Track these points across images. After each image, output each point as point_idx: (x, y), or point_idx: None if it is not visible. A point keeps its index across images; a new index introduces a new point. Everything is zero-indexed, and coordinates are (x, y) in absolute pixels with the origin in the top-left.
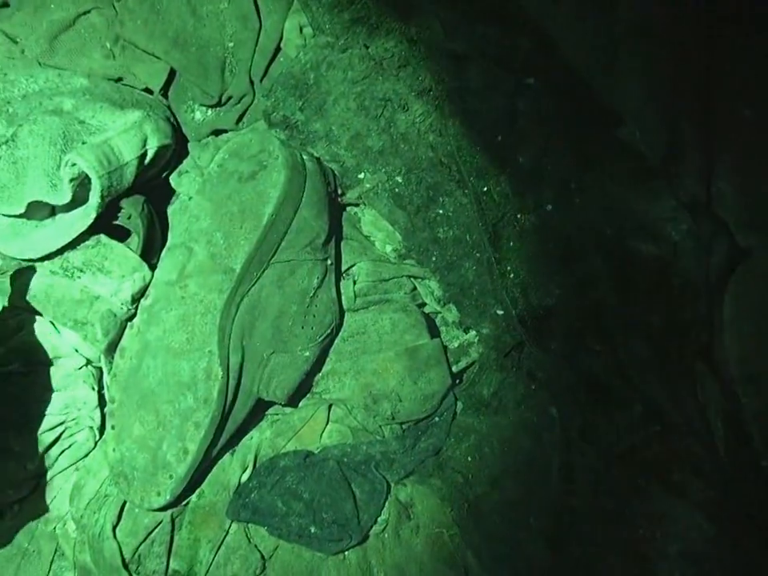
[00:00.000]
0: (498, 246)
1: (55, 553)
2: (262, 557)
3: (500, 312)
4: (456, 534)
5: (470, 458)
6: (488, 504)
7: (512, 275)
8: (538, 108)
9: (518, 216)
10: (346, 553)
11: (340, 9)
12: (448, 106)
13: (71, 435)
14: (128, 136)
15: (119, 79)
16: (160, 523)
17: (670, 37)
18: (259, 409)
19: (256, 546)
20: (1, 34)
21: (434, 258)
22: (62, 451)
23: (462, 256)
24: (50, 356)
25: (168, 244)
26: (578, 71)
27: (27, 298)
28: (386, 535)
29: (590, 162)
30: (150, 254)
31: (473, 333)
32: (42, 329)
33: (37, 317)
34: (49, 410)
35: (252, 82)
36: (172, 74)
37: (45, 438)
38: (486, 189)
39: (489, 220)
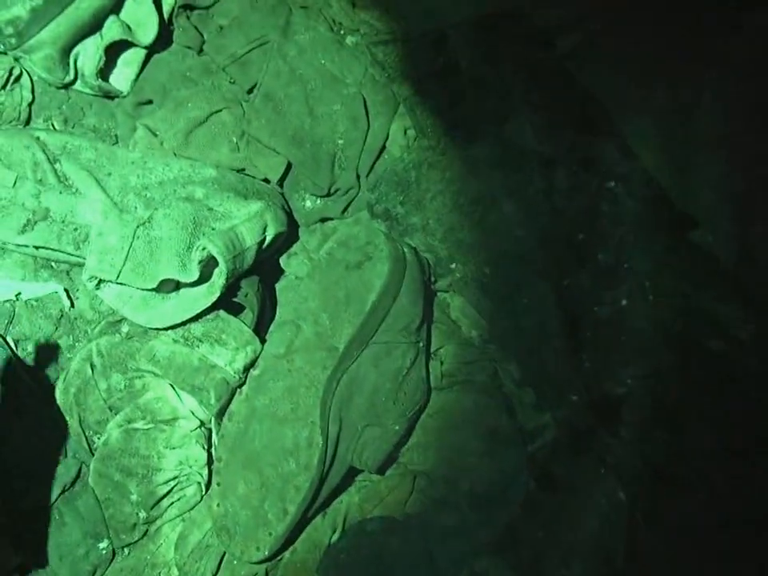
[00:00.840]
0: (575, 336)
1: None
2: None
3: (575, 398)
4: None
5: (540, 534)
6: None
7: (587, 364)
8: (617, 210)
9: (595, 309)
10: None
11: (441, 113)
12: (535, 205)
13: (182, 489)
14: (251, 224)
15: (242, 170)
16: (255, 573)
17: (744, 147)
18: (350, 476)
19: None
20: (144, 128)
21: (515, 344)
22: (172, 503)
23: (541, 343)
24: (170, 417)
25: (277, 320)
26: (656, 177)
27: (151, 362)
28: None
29: (664, 263)
30: (262, 327)
31: (548, 415)
32: (164, 391)
33: (160, 380)
34: (164, 465)
35: (358, 177)
36: (288, 166)
37: (159, 489)
38: (566, 283)
39: (568, 311)
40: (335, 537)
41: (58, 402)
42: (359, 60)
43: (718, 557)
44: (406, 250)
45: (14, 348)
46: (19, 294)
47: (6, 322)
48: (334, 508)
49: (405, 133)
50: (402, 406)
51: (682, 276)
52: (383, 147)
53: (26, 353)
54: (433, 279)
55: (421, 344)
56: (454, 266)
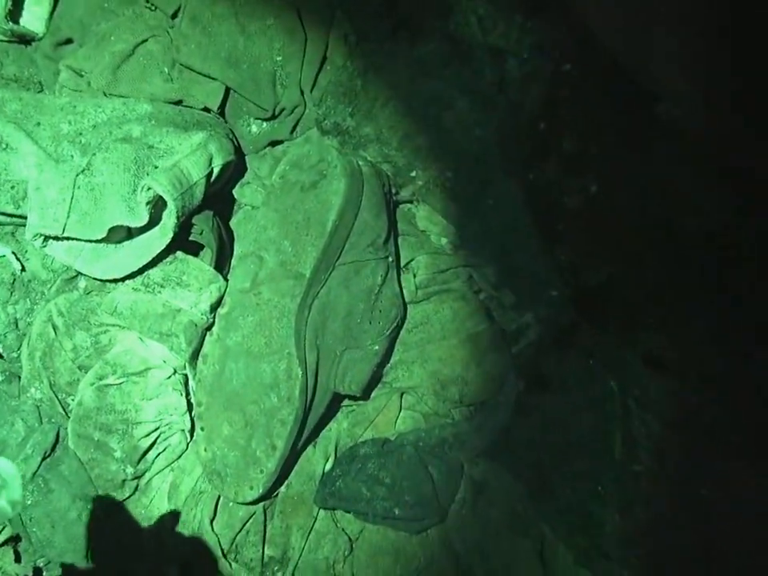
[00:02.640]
0: (547, 230)
1: (158, 547)
2: (350, 539)
3: (554, 293)
4: (529, 506)
5: (536, 434)
6: (557, 477)
7: (563, 257)
8: (578, 95)
9: (565, 200)
10: (429, 531)
11: (382, 16)
12: (490, 100)
13: (165, 439)
14: (195, 157)
15: (179, 102)
16: (253, 515)
17: (702, 19)
18: (336, 402)
19: (343, 529)
20: (67, 69)
21: (488, 246)
22: (158, 454)
23: (514, 242)
24: (141, 368)
25: (238, 254)
26: (614, 56)
27: (114, 314)
28: (464, 512)
29: (632, 144)
30: (222, 264)
31: (529, 314)
32: (131, 343)
33: (126, 332)
34: (144, 417)
35: (302, 93)
36: (227, 92)
37: (142, 443)
38: (532, 176)
39: (537, 206)
40: (328, 465)
41: (24, 368)
42: None
43: (714, 436)
44: (361, 163)
45: None
46: None
47: None
48: (324, 437)
49: (345, 40)
50: (378, 324)
51: (652, 155)
52: (324, 58)
53: None
54: (394, 190)
55: (390, 259)
56: (414, 173)
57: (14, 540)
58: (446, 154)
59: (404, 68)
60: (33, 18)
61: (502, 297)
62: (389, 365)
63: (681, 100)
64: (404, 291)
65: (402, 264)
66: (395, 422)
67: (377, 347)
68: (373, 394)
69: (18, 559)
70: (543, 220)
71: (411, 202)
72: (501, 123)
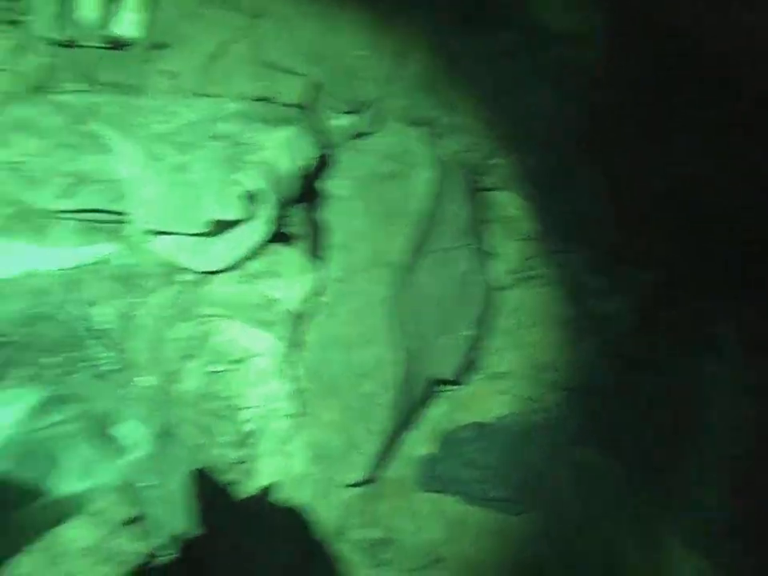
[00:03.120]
0: (634, 215)
1: (268, 528)
2: (452, 522)
3: (646, 277)
4: (631, 488)
5: (635, 417)
6: (660, 458)
7: (653, 243)
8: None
9: (652, 185)
10: (530, 512)
11: (460, 8)
12: (571, 86)
13: (269, 424)
14: (284, 151)
15: (267, 99)
16: (357, 497)
17: None
18: (431, 388)
19: (445, 512)
20: (160, 72)
21: (575, 232)
22: (262, 439)
23: (601, 228)
24: (243, 356)
25: (329, 244)
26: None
27: (215, 305)
28: (565, 494)
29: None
30: (314, 255)
31: (620, 298)
32: (233, 332)
33: (227, 321)
34: (247, 403)
35: (386, 86)
36: (313, 87)
37: (246, 428)
38: (617, 159)
39: (623, 190)
40: (428, 449)
41: (132, 359)
42: None
43: None
44: (444, 152)
45: (82, 313)
46: (77, 260)
47: (71, 288)
48: (423, 422)
49: (426, 33)
50: (469, 310)
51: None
52: (407, 51)
53: (94, 317)
54: (477, 178)
55: (477, 246)
56: (497, 161)
57: (135, 519)
58: (528, 141)
59: (485, 58)
60: (128, 25)
61: (593, 282)
62: (482, 350)
63: None
64: (493, 277)
65: (490, 251)
66: (491, 407)
67: (469, 332)
68: (468, 380)
69: (138, 538)
70: (633, 204)
71: (495, 189)
72: (583, 107)
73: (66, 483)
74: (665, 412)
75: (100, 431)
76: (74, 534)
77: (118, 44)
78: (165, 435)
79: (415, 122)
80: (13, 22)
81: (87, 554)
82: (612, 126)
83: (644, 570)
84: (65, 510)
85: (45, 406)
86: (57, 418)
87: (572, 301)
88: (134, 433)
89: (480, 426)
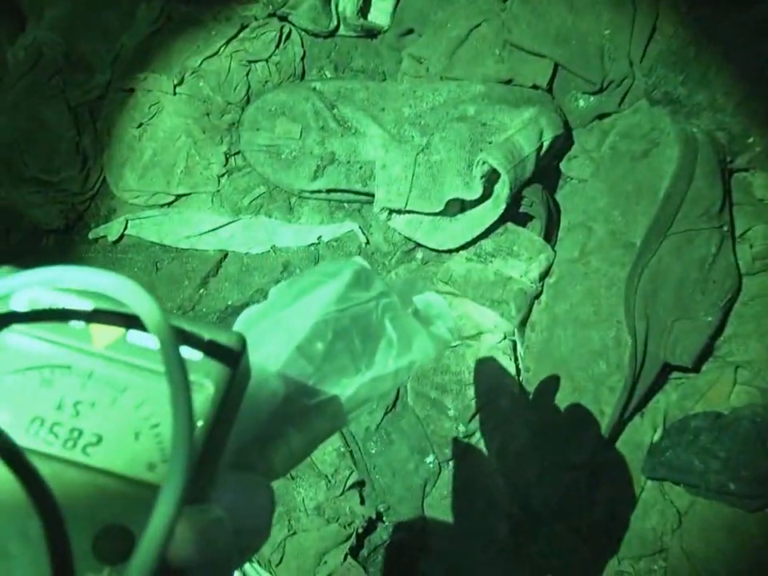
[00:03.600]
0: None
1: (488, 504)
2: (679, 512)
3: None
4: None
5: None
6: None
7: None
8: None
9: None
10: (767, 509)
11: None
12: None
13: (496, 401)
14: (526, 132)
15: (510, 81)
16: (579, 479)
17: None
18: (665, 373)
19: (672, 501)
20: (409, 57)
21: None
22: (488, 415)
23: None
24: (475, 332)
25: (565, 225)
26: None
27: (449, 283)
28: None
29: None
30: (550, 235)
31: None
32: (466, 309)
33: (460, 299)
34: (477, 379)
35: (631, 64)
36: (556, 68)
37: (474, 403)
38: None
39: None
40: (657, 436)
41: None
42: None
43: None
44: (695, 130)
45: None
46: (320, 237)
47: (313, 263)
48: (652, 407)
49: (676, 8)
50: (712, 295)
51: None
52: (654, 28)
53: None
54: (729, 158)
55: (725, 228)
56: (751, 139)
57: (360, 485)
58: None
59: (738, 32)
60: (378, 13)
61: None
62: (722, 338)
63: None
64: (739, 262)
65: (738, 234)
66: (728, 397)
67: (710, 318)
68: (704, 367)
69: (362, 502)
70: None
71: (747, 170)
72: None
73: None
74: None
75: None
76: (306, 492)
77: (370, 32)
78: (396, 405)
79: (662, 101)
80: (272, 15)
81: (317, 513)
82: None
83: None
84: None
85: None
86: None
87: None
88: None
89: (716, 416)
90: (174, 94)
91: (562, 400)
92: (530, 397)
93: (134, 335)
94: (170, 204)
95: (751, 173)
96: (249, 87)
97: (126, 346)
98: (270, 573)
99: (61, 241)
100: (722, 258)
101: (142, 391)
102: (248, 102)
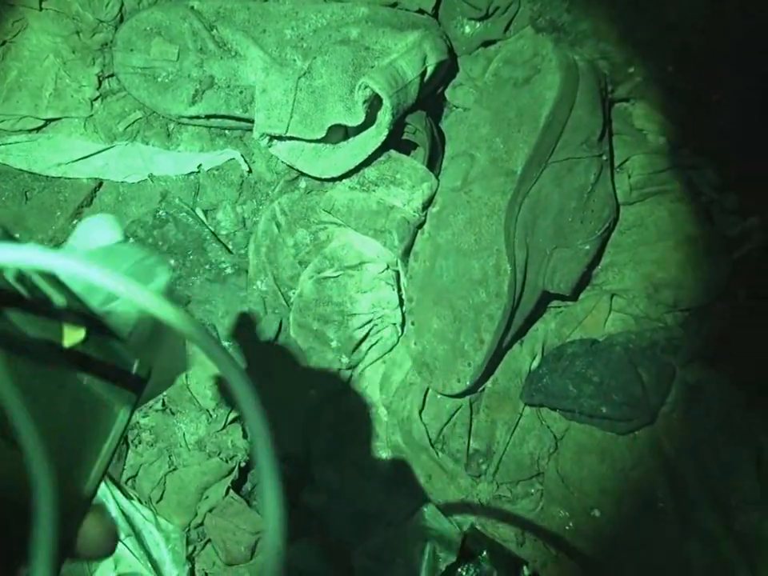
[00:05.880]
0: None
1: (371, 434)
2: (555, 436)
3: None
4: (747, 414)
5: (757, 344)
6: None
7: None
8: None
9: None
10: (636, 432)
11: None
12: None
13: (378, 332)
14: (410, 56)
15: (395, 4)
16: (460, 407)
17: None
18: (543, 301)
19: (549, 426)
20: None
21: (712, 146)
22: (371, 346)
23: (740, 142)
24: (357, 262)
25: (449, 153)
26: None
27: (332, 212)
28: (675, 416)
29: None
30: (434, 164)
31: (754, 218)
32: (348, 238)
33: (342, 228)
34: (359, 309)
35: None
36: None
37: (356, 334)
38: (767, 69)
39: None
40: (535, 363)
41: (251, 263)
42: None
43: None
44: (577, 57)
45: (203, 218)
46: (200, 165)
47: (193, 193)
48: (531, 335)
49: None
50: (590, 224)
51: None
52: None
53: (215, 221)
54: (610, 87)
55: (604, 157)
56: (632, 69)
57: (242, 418)
58: (667, 49)
59: None
60: None
61: (724, 200)
62: (599, 266)
63: None
64: (618, 191)
65: (617, 164)
66: (604, 324)
67: (588, 247)
68: (582, 295)
69: (245, 436)
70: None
71: (628, 99)
72: (730, 16)
73: None
74: None
75: None
76: (187, 427)
77: None
78: (278, 337)
79: (546, 28)
80: None
81: (198, 447)
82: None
83: (758, 489)
84: None
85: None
86: None
87: (700, 219)
88: None
89: (591, 342)
90: (40, 9)
91: (443, 329)
92: (412, 327)
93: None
94: (38, 129)
95: (632, 103)
96: (122, 4)
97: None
98: (151, 509)
99: None
100: (600, 187)
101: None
102: (121, 20)
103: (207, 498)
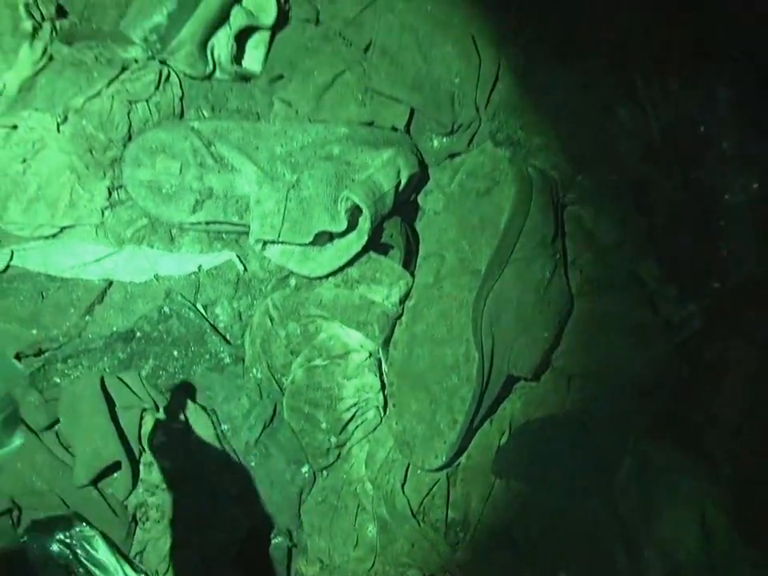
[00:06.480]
0: (708, 226)
1: (358, 507)
2: (526, 504)
3: (717, 285)
4: (693, 482)
5: (699, 414)
6: (720, 455)
7: (724, 252)
8: (737, 97)
9: (726, 197)
10: (594, 499)
11: (547, 34)
12: (650, 108)
13: (363, 413)
14: (386, 170)
15: (371, 123)
16: (438, 481)
17: None
18: (509, 384)
19: (517, 496)
20: (279, 101)
21: (651, 243)
22: (357, 426)
23: (677, 237)
24: (343, 351)
25: (422, 253)
26: None
27: (319, 307)
28: (628, 483)
29: None
30: (409, 263)
31: (692, 306)
32: (334, 331)
33: (329, 321)
34: (345, 394)
35: (478, 110)
36: (412, 112)
37: (344, 416)
38: (693, 176)
39: (699, 203)
40: (504, 439)
41: (247, 353)
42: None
43: None
44: (530, 170)
45: (204, 313)
46: (200, 265)
47: (194, 291)
48: (500, 414)
49: (515, 60)
50: (548, 315)
51: None
52: (497, 78)
53: (214, 316)
54: (561, 194)
55: (558, 256)
56: (579, 177)
57: (241, 495)
58: (609, 159)
59: (571, 82)
60: (252, 60)
61: (665, 290)
62: (557, 351)
63: None
64: (571, 284)
65: (570, 260)
66: (564, 403)
67: (546, 334)
68: (543, 378)
69: (243, 511)
70: (704, 216)
71: (577, 203)
72: (661, 127)
73: None
74: (726, 407)
75: None
76: (187, 505)
77: (244, 77)
78: (273, 420)
79: (504, 143)
80: (152, 58)
81: (201, 524)
82: (695, 140)
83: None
84: None
85: None
86: None
87: (645, 307)
88: None
89: (550, 419)
90: (58, 131)
91: (421, 411)
92: (393, 409)
93: None
94: (54, 236)
95: (581, 206)
96: (130, 125)
97: None
98: None
99: None
100: (555, 282)
101: None
102: (129, 139)
103: (210, 570)
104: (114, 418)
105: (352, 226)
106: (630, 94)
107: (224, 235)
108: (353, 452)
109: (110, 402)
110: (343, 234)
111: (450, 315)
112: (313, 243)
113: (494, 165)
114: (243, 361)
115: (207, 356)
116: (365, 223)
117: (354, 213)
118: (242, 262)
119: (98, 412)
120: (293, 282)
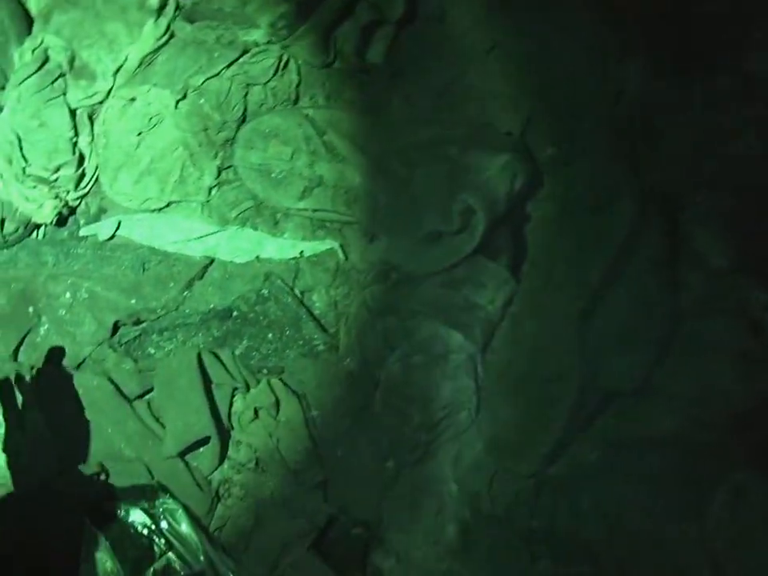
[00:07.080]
0: None
1: (440, 507)
2: (612, 523)
3: None
4: None
5: None
6: None
7: None
8: None
9: None
10: (689, 527)
11: (676, 52)
12: None
13: (456, 414)
14: (502, 175)
15: (488, 126)
16: (525, 489)
17: None
18: (606, 400)
19: (606, 513)
20: (397, 96)
21: (763, 271)
22: (447, 426)
23: None
24: (443, 351)
25: (530, 260)
26: None
27: (422, 304)
28: (723, 513)
29: None
30: (516, 269)
31: None
32: (436, 329)
33: (431, 319)
34: (440, 393)
35: (597, 122)
36: (532, 119)
37: (437, 415)
38: None
39: None
40: (596, 455)
41: (342, 342)
42: None
43: None
44: (648, 187)
45: (301, 298)
46: (302, 251)
47: (293, 276)
48: (594, 430)
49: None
50: (654, 334)
51: None
52: (621, 91)
53: (311, 302)
54: (676, 213)
55: (668, 276)
56: (698, 198)
57: (325, 484)
58: (730, 182)
59: (698, 102)
60: (374, 53)
61: None
62: (659, 372)
63: None
64: (680, 306)
65: (680, 281)
66: (660, 423)
67: (651, 354)
68: (641, 397)
69: (326, 499)
70: None
71: (691, 224)
72: None
73: None
74: None
75: None
76: (275, 486)
77: (364, 68)
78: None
79: (620, 157)
80: (272, 42)
81: (283, 506)
82: None
83: None
84: None
85: None
86: None
87: (751, 334)
88: None
89: (647, 440)
90: (176, 108)
91: (516, 417)
92: (487, 413)
93: None
94: (161, 209)
95: (694, 227)
96: (246, 108)
97: None
98: (234, 559)
99: (51, 235)
100: (663, 301)
101: None
102: (244, 121)
103: (289, 553)
104: (208, 394)
105: (463, 227)
106: (758, 117)
107: (328, 224)
108: (440, 451)
109: (205, 378)
110: (454, 234)
111: (555, 325)
112: (422, 241)
113: (612, 179)
114: (337, 349)
115: (301, 342)
116: (478, 226)
117: (467, 214)
118: (343, 251)
119: (194, 387)
120: (393, 276)
